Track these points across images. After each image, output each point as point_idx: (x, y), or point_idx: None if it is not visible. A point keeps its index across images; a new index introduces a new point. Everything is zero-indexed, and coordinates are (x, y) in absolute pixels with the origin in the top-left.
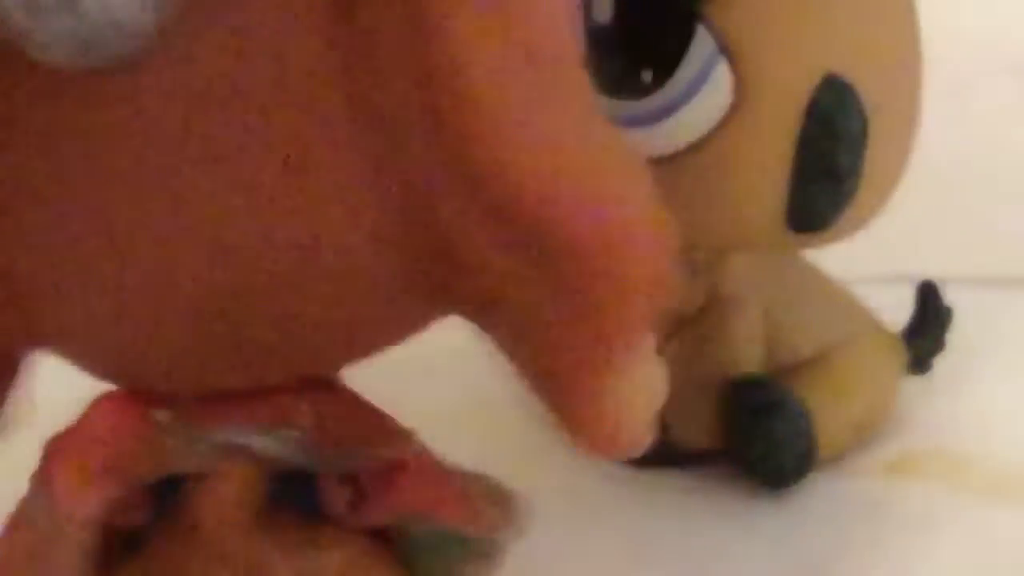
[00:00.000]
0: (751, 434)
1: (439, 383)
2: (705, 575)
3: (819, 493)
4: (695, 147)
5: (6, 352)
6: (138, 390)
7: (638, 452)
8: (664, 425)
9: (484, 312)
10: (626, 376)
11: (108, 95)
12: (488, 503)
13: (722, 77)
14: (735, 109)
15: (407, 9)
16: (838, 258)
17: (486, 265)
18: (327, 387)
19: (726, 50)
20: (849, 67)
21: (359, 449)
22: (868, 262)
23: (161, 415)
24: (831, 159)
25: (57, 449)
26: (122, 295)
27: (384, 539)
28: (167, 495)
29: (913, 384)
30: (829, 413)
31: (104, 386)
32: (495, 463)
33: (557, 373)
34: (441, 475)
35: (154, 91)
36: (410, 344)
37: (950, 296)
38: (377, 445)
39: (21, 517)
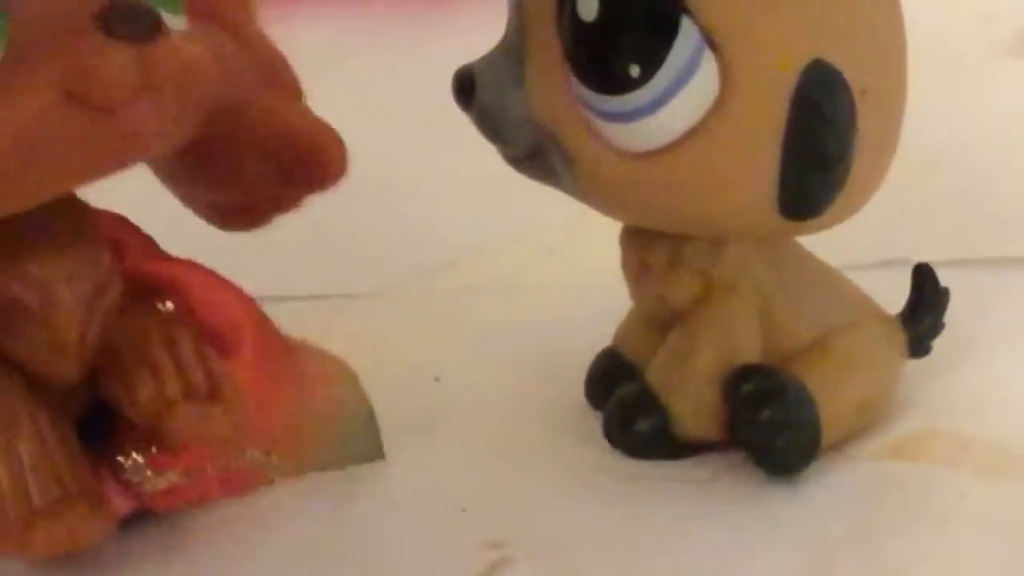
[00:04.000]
0: (755, 422)
1: (441, 384)
2: (715, 564)
3: (825, 478)
4: (685, 139)
5: None
6: None
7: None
8: (667, 417)
9: None
10: None
11: None
12: None
13: (708, 68)
14: (723, 99)
15: None
16: (833, 243)
17: None
18: None
19: (711, 41)
20: (834, 52)
21: None
22: (863, 247)
23: None
24: (820, 145)
25: None
26: None
27: None
28: None
29: (913, 367)
30: (832, 398)
31: None
32: (498, 462)
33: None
34: None
35: None
36: (417, 350)
37: (946, 278)
38: None
39: None
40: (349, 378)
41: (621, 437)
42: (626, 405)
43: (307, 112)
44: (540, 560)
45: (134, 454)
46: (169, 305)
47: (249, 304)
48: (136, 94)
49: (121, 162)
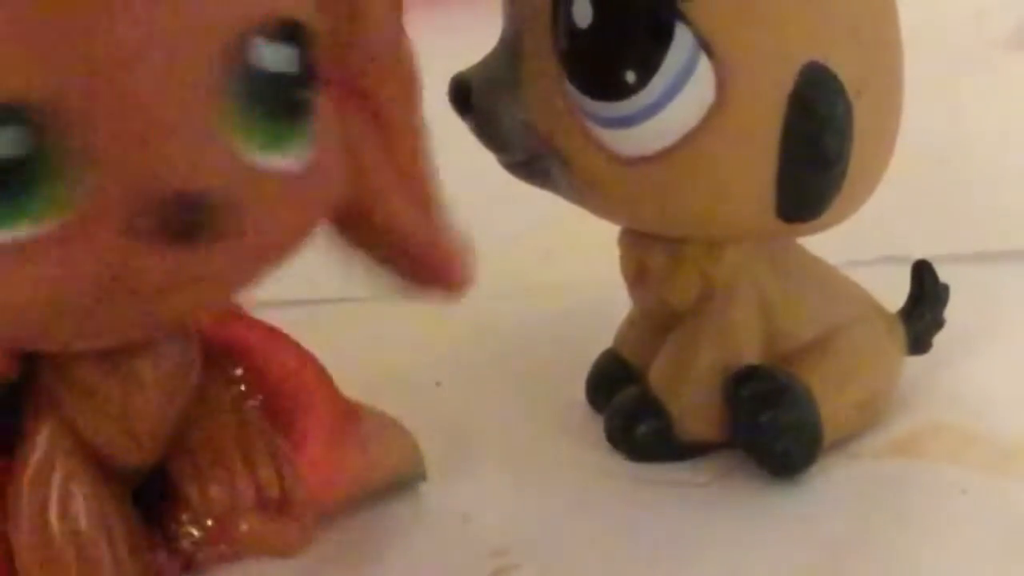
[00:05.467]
0: (757, 423)
1: (443, 386)
2: (720, 565)
3: (828, 477)
4: (682, 143)
5: None
6: None
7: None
8: (668, 419)
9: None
10: None
11: None
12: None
13: (704, 73)
14: (719, 103)
15: None
16: (832, 241)
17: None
18: None
19: (706, 46)
20: (829, 54)
21: None
22: (862, 243)
23: None
24: (817, 147)
25: None
26: None
27: None
28: None
29: (914, 363)
30: (833, 397)
31: None
32: (499, 467)
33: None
34: None
35: None
36: (418, 355)
37: (945, 274)
38: None
39: None
40: (409, 443)
41: (623, 440)
42: (627, 408)
43: (436, 228)
44: (544, 566)
45: (190, 526)
46: (239, 371)
47: (316, 365)
48: (170, 289)
49: (157, 331)
